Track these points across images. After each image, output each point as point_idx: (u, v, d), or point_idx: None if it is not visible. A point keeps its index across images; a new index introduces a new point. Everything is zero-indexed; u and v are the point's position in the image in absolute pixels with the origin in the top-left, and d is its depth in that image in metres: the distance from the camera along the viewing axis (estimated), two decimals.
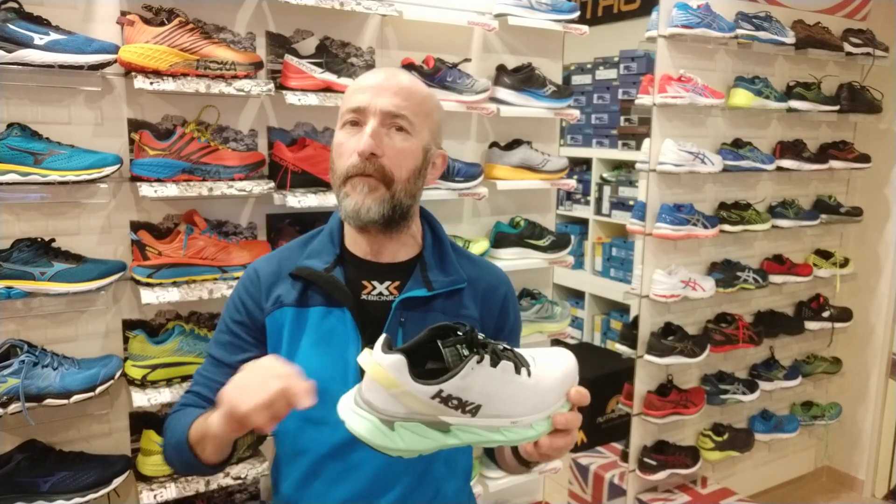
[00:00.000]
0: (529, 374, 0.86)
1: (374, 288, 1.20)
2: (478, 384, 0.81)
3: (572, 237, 2.44)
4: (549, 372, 0.89)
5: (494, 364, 0.82)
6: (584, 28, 2.27)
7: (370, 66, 2.05)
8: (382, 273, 1.21)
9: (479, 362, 0.81)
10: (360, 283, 1.20)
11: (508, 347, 0.87)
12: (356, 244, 1.22)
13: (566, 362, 0.92)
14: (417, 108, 1.15)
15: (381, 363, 0.78)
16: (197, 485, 1.73)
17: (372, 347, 0.82)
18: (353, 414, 0.81)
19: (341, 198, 1.15)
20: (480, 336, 0.85)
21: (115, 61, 1.60)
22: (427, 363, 0.85)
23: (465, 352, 0.82)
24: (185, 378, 1.72)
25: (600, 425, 3.70)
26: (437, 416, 0.81)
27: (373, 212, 1.12)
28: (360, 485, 1.16)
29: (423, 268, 1.21)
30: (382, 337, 0.82)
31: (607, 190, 4.23)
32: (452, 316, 1.19)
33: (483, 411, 0.83)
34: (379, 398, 0.80)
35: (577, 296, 4.54)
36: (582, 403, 0.91)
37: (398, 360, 0.78)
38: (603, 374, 3.66)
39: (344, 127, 1.16)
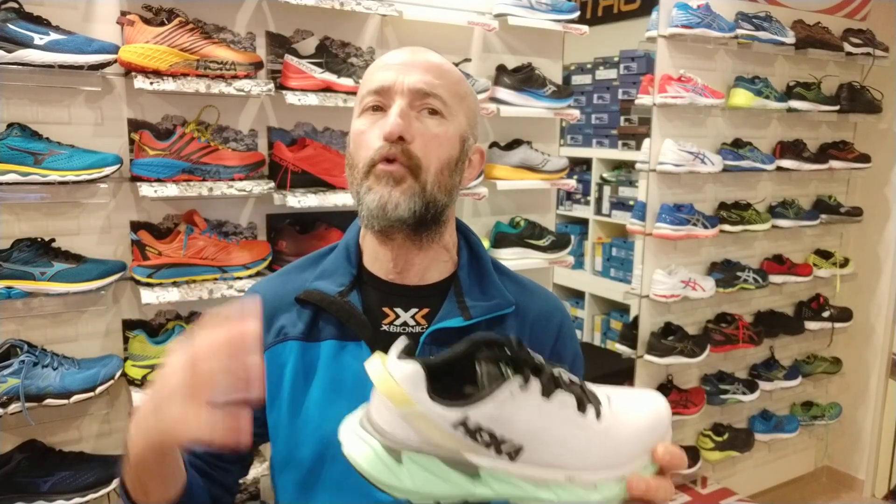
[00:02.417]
0: (598, 415, 0.65)
1: (398, 317, 0.98)
2: (521, 417, 0.62)
3: (572, 237, 2.44)
4: (628, 417, 0.68)
5: (547, 394, 0.63)
6: (584, 28, 2.27)
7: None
8: (408, 298, 0.98)
9: (522, 387, 0.61)
10: (381, 310, 0.98)
11: (575, 379, 0.67)
12: (377, 261, 0.99)
13: (655, 408, 0.70)
14: (452, 88, 0.95)
15: (391, 372, 0.61)
16: None
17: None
18: (354, 436, 0.63)
19: (363, 194, 0.92)
20: (537, 358, 0.65)
21: (115, 61, 1.61)
22: (467, 388, 0.65)
23: (510, 373, 0.63)
24: None
25: None
26: (462, 454, 0.61)
27: (401, 208, 0.90)
28: None
29: (458, 291, 0.99)
30: (401, 339, 0.64)
31: (607, 190, 4.22)
32: None
33: (526, 456, 0.62)
34: (386, 419, 0.61)
35: (577, 296, 4.54)
36: (675, 467, 0.69)
37: (414, 370, 0.60)
38: (603, 374, 3.65)
39: (364, 114, 0.95)
